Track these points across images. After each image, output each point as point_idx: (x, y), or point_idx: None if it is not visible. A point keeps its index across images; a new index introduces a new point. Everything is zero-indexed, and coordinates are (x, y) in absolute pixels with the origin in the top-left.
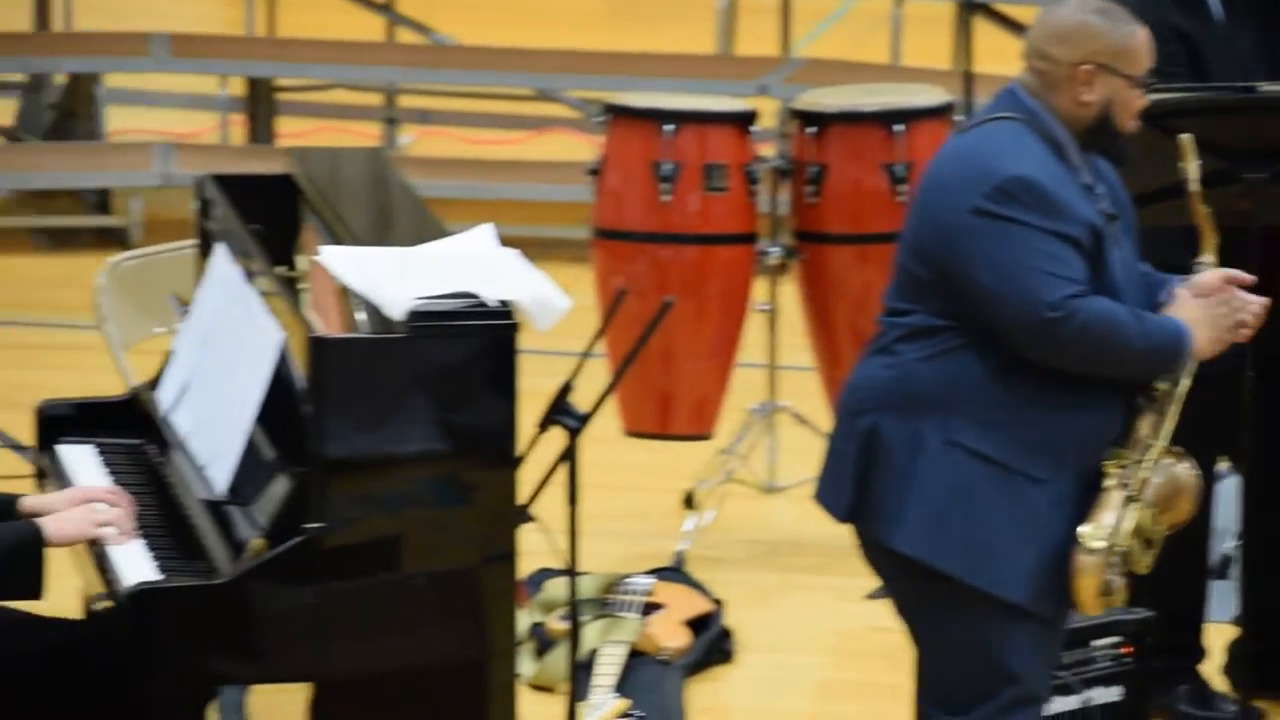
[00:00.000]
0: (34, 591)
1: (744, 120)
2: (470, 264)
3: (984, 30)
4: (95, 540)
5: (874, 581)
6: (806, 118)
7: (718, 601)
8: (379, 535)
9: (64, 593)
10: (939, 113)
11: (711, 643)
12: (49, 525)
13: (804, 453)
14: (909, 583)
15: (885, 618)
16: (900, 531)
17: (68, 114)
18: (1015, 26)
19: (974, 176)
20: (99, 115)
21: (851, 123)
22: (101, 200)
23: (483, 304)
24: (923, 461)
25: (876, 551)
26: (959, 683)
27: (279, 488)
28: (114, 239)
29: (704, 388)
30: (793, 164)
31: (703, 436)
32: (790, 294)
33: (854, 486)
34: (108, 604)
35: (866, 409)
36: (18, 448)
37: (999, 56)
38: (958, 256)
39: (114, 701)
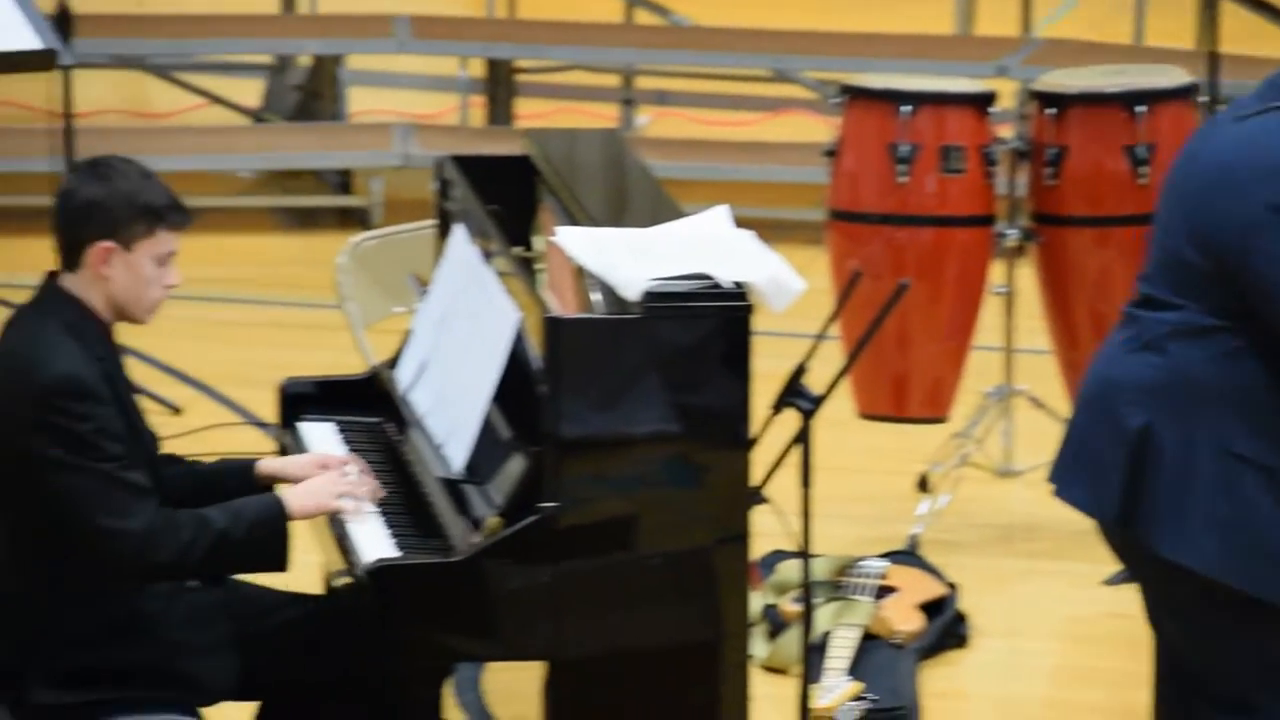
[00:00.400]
0: (280, 565)
1: (983, 101)
2: (706, 245)
3: (1229, 10)
4: (335, 512)
5: (1110, 567)
6: (1046, 99)
7: (952, 585)
8: (613, 515)
9: (305, 568)
10: (1182, 94)
11: (945, 627)
12: (291, 499)
13: (1040, 436)
14: (1183, 590)
15: (1121, 603)
16: (1181, 543)
17: (312, 95)
18: (1262, 6)
19: (1270, 170)
20: (342, 96)
21: (1092, 104)
22: (343, 181)
23: (718, 285)
24: (1200, 470)
25: (1144, 557)
26: (1245, 686)
27: (514, 467)
28: (355, 219)
29: (939, 370)
30: (1031, 145)
31: (938, 419)
32: (1027, 277)
33: (1124, 491)
34: (347, 580)
35: (1135, 409)
36: (260, 424)
37: (1244, 37)
38: (1248, 252)
39: (353, 676)
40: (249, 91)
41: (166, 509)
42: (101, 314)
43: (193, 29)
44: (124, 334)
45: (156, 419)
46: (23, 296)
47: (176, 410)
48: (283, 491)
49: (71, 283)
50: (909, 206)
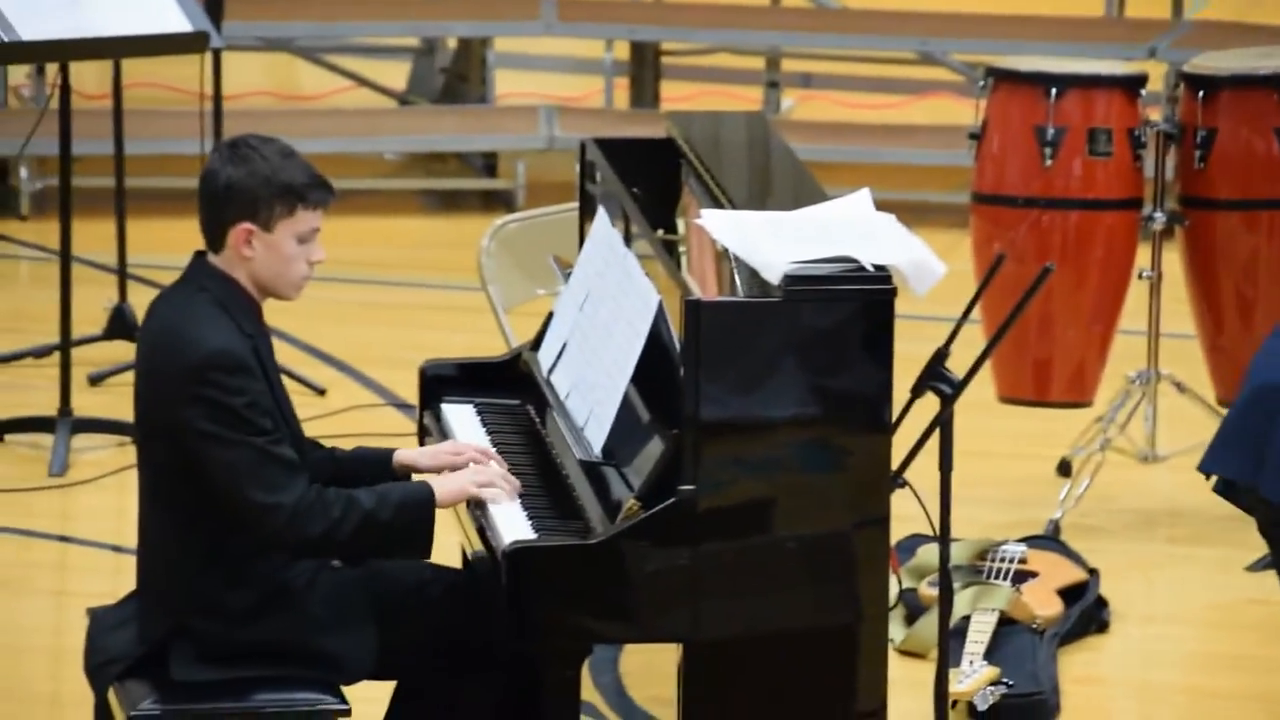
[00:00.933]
0: (424, 550)
1: (1132, 84)
2: (848, 228)
3: None
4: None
5: (1252, 553)
6: (1196, 81)
7: (1092, 571)
8: (751, 498)
9: (443, 549)
10: None
11: (1085, 612)
12: (437, 487)
13: (1184, 422)
14: None
15: (1264, 589)
16: None
17: (457, 78)
18: None
19: None
20: (489, 79)
21: (1243, 87)
22: (488, 163)
23: (860, 268)
24: None
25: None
26: None
27: (653, 449)
28: (499, 201)
29: (1083, 354)
30: (1180, 128)
31: (1080, 404)
32: (1173, 260)
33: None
34: (485, 561)
35: None
36: (402, 406)
37: None
38: None
39: (490, 657)
40: (395, 74)
41: (317, 485)
42: (249, 292)
43: (340, 11)
44: (269, 314)
45: (300, 400)
46: (174, 278)
47: (321, 392)
48: (430, 479)
49: (218, 261)
50: (1054, 189)
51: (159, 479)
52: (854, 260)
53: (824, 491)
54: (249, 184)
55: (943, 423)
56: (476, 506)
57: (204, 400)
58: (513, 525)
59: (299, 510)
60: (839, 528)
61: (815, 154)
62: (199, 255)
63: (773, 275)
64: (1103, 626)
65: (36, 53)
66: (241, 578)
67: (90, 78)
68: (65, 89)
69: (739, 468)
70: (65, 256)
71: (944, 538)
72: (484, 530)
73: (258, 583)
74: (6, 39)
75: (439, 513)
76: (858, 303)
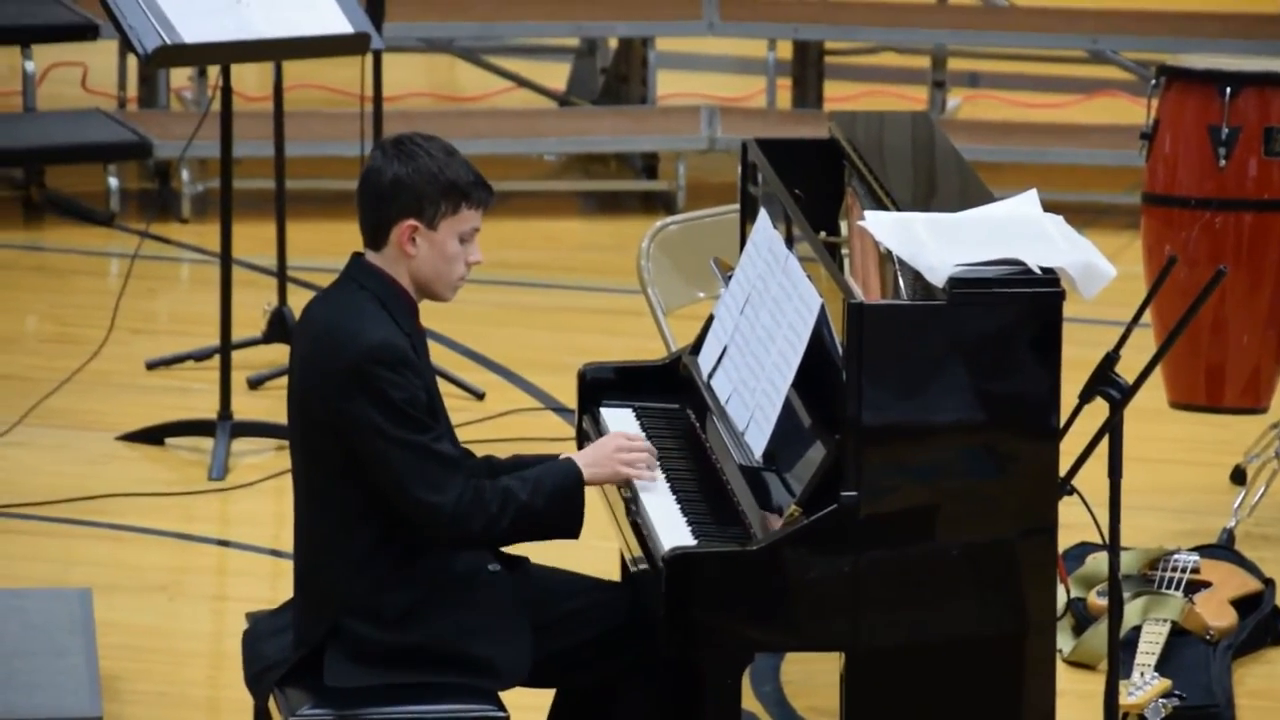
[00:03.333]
0: (575, 530)
1: None
2: (1015, 230)
3: None
4: (628, 481)
5: None
6: None
7: (1268, 581)
8: (915, 505)
9: (601, 554)
10: None
11: (1261, 623)
12: (584, 466)
13: None
14: None
15: None
16: None
17: (618, 78)
18: None
19: None
20: (650, 79)
21: None
22: (648, 164)
23: (1027, 271)
24: None
25: None
26: None
27: (815, 455)
28: (660, 203)
29: (1257, 360)
30: None
31: (1255, 409)
32: None
33: None
34: (644, 568)
35: None
36: (561, 410)
37: None
38: None
39: (649, 665)
40: (555, 75)
41: (474, 481)
42: (408, 291)
43: (501, 12)
44: (425, 317)
45: (458, 403)
46: (329, 280)
47: (480, 395)
48: (576, 457)
49: (378, 260)
50: (1228, 190)
51: (316, 479)
52: (1021, 263)
53: (989, 498)
54: (415, 180)
55: (1112, 428)
56: (631, 500)
57: (367, 393)
58: (672, 531)
59: (460, 509)
60: (1005, 535)
61: (981, 154)
62: (357, 256)
63: (937, 278)
64: (1279, 638)
65: (198, 55)
66: (397, 580)
67: (251, 80)
68: (226, 91)
69: (902, 474)
70: (225, 259)
71: (1113, 546)
72: (642, 535)
73: (414, 586)
74: (169, 41)
75: (597, 518)
76: (1024, 306)
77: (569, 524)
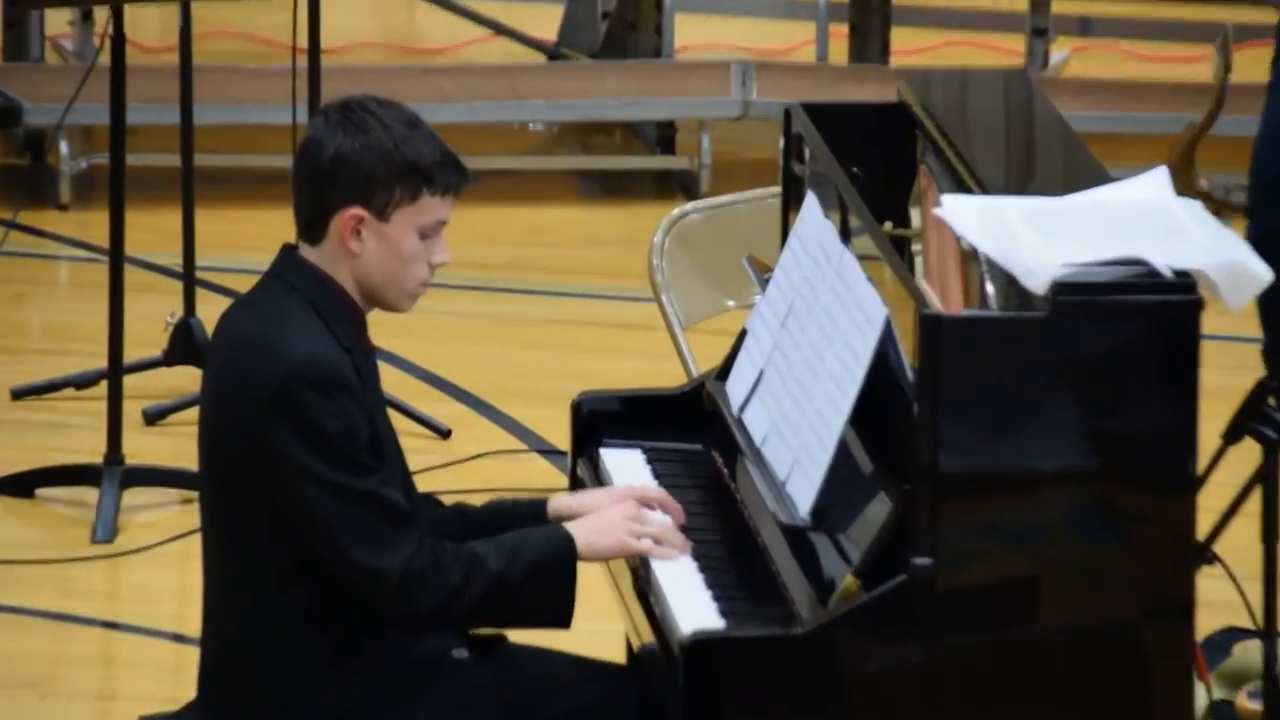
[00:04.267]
0: (564, 618)
1: None
2: (1139, 220)
3: None
4: (636, 555)
5: None
6: None
7: None
8: (1006, 577)
9: (600, 638)
10: None
11: None
12: (581, 534)
13: None
14: None
15: None
16: None
17: (625, 24)
18: None
19: None
20: (665, 26)
21: None
22: (663, 136)
23: (1154, 273)
24: None
25: None
26: None
27: (877, 511)
28: (677, 185)
29: None
30: None
31: None
32: None
33: None
34: (656, 656)
35: None
36: (549, 452)
37: None
38: None
39: None
40: (544, 20)
41: (431, 541)
42: (351, 297)
43: None
44: (376, 332)
45: (417, 443)
46: (251, 285)
47: (445, 434)
48: (571, 525)
49: (314, 256)
50: None
51: (231, 537)
52: (1146, 263)
53: (1104, 569)
54: (363, 158)
55: (1265, 478)
56: (641, 568)
57: (291, 421)
58: (693, 608)
59: (410, 576)
60: (1125, 618)
61: (1095, 122)
62: (288, 249)
63: (1037, 283)
64: None
65: None
66: (336, 670)
67: (150, 25)
68: (119, 40)
69: (990, 536)
70: (116, 257)
71: (1269, 631)
72: (654, 613)
73: (357, 678)
74: None
75: (596, 592)
76: (1150, 319)
77: (555, 609)
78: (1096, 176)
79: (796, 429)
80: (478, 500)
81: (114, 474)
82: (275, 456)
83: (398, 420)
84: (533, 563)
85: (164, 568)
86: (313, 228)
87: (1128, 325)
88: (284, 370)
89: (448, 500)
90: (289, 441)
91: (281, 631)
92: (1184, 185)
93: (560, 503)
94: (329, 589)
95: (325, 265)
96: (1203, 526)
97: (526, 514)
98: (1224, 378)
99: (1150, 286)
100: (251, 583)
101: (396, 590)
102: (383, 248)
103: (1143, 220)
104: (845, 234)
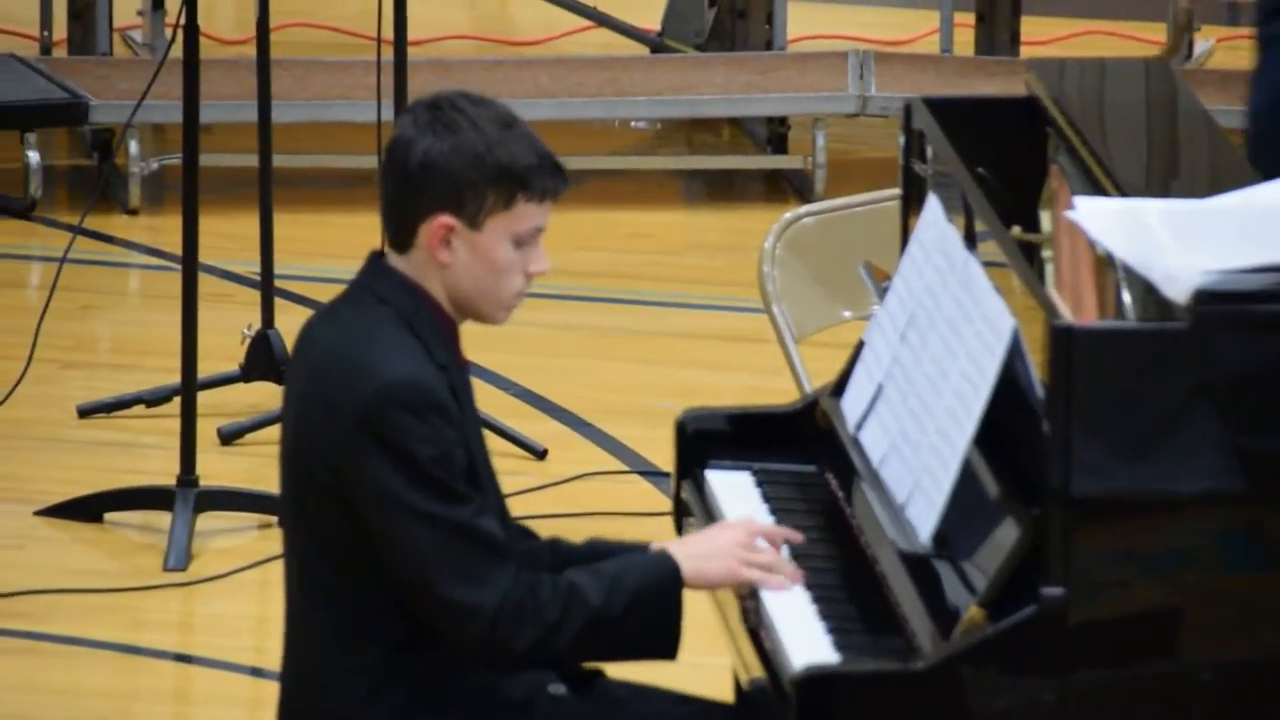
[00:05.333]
0: (669, 650)
1: None
2: None
3: None
4: (746, 585)
5: None
6: None
7: None
8: (1144, 608)
9: (707, 672)
10: None
11: None
12: (687, 560)
13: None
14: None
15: None
16: None
17: (734, 13)
18: None
19: None
20: (777, 16)
21: None
22: (774, 134)
23: None
24: None
25: None
26: None
27: (1004, 537)
28: (790, 187)
29: None
30: None
31: None
32: None
33: None
34: (766, 691)
35: None
36: (651, 473)
37: None
38: None
39: None
40: (646, 9)
41: (527, 575)
42: (444, 308)
43: None
44: (469, 344)
45: (510, 464)
46: (333, 295)
47: (540, 454)
48: (675, 549)
49: (404, 265)
50: None
51: (314, 567)
52: None
53: (1254, 600)
54: (454, 162)
55: None
56: (749, 599)
57: (383, 447)
58: (805, 641)
59: (505, 612)
60: (1275, 652)
61: (1242, 118)
62: (376, 256)
63: (1178, 291)
64: None
65: None
66: (424, 708)
67: (225, 16)
68: (191, 31)
69: (1128, 564)
70: (189, 265)
71: None
72: (764, 647)
73: (447, 717)
74: None
75: (703, 625)
76: None
77: (660, 640)
78: (1244, 175)
79: (917, 449)
80: (576, 527)
81: (187, 497)
82: (363, 484)
83: (491, 440)
84: (635, 593)
85: (240, 597)
86: (401, 236)
87: (1277, 337)
88: (374, 391)
89: (543, 526)
90: (378, 467)
91: (365, 668)
92: None
93: (658, 548)
94: (417, 624)
95: (416, 275)
96: None
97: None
98: None
99: None
100: (334, 616)
101: (490, 626)
102: (475, 258)
103: None
104: (970, 239)
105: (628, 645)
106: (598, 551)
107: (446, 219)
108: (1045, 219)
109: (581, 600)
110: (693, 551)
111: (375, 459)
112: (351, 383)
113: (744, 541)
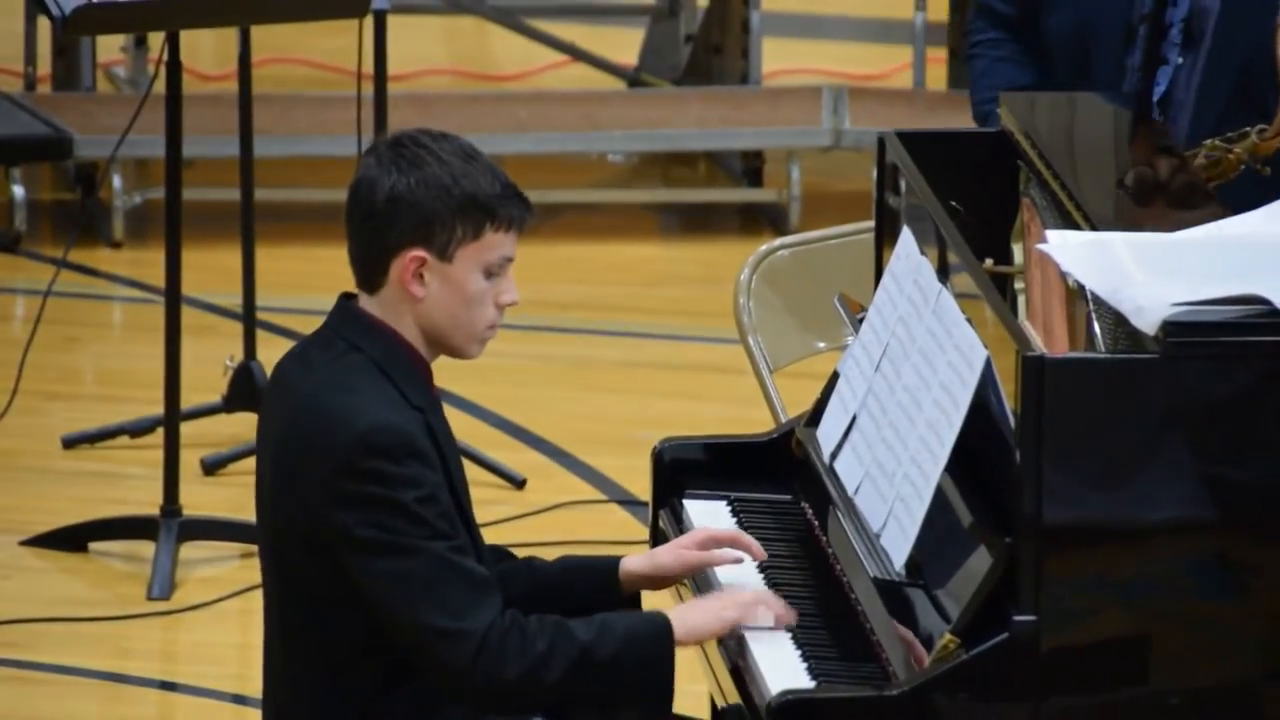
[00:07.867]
0: (664, 704)
1: None
2: (1258, 256)
3: None
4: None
5: None
6: None
7: None
8: (1115, 635)
9: (683, 698)
10: None
11: None
12: (679, 621)
13: None
14: None
15: None
16: None
17: (709, 50)
18: None
19: None
20: (752, 50)
21: None
22: (749, 167)
23: (1274, 313)
24: None
25: None
26: None
27: (976, 565)
28: (765, 219)
29: None
30: None
31: None
32: None
33: None
34: (743, 717)
35: None
36: (629, 502)
37: None
38: None
39: None
40: (623, 45)
41: (513, 610)
42: (415, 347)
43: None
44: (444, 376)
45: (488, 494)
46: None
47: (518, 483)
48: (671, 610)
49: (374, 307)
50: None
51: (293, 605)
52: (1266, 301)
53: (1221, 627)
54: (421, 195)
55: None
56: (730, 639)
57: (362, 498)
58: (781, 667)
59: (490, 642)
60: (1243, 679)
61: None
62: (346, 299)
63: (1147, 322)
64: None
65: (134, 16)
66: None
67: (207, 52)
68: (174, 67)
69: (1098, 592)
70: (172, 297)
71: None
72: (740, 672)
73: None
74: None
75: (682, 652)
76: (1269, 361)
77: (650, 688)
78: (1215, 208)
79: (891, 478)
80: (555, 556)
81: (171, 526)
82: (344, 530)
83: (470, 469)
84: (624, 637)
85: (224, 625)
86: (371, 275)
87: (1245, 368)
88: (353, 439)
89: (522, 555)
90: (359, 518)
91: (346, 708)
92: None
93: (632, 560)
94: (396, 665)
95: (387, 315)
96: None
97: (597, 570)
98: None
99: (1269, 327)
100: (314, 656)
101: (475, 655)
102: (447, 290)
103: (1263, 256)
104: (943, 271)
105: (618, 689)
106: (569, 566)
107: (418, 252)
108: (1017, 251)
109: (569, 635)
110: (686, 611)
111: (356, 507)
112: (330, 432)
113: (727, 600)
